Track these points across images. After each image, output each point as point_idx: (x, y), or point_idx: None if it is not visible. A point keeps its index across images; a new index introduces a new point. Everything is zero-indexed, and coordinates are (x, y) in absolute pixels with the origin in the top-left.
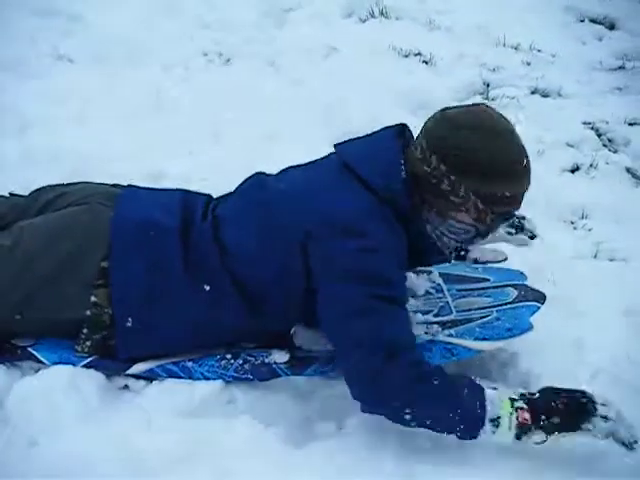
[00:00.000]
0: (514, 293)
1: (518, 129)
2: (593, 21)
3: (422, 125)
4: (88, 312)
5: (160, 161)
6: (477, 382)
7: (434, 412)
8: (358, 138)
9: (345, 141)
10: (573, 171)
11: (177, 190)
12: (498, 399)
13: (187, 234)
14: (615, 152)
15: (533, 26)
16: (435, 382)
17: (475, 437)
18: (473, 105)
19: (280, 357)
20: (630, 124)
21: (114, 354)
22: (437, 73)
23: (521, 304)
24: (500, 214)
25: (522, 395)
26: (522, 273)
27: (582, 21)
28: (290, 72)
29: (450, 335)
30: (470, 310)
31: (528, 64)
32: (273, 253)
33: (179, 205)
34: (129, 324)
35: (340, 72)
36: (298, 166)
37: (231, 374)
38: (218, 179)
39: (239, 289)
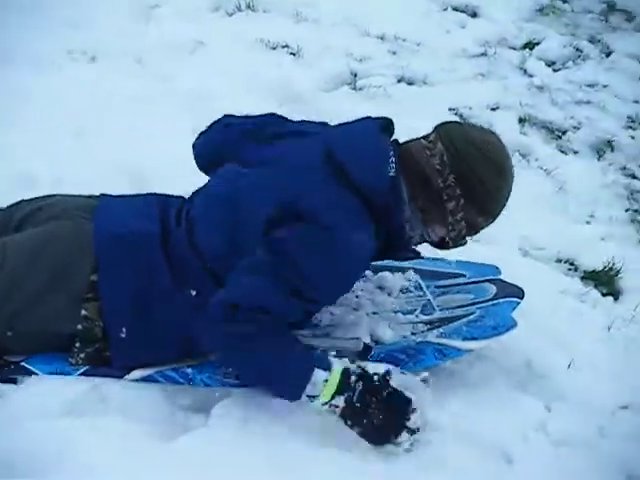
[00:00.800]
0: (493, 289)
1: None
2: (456, 9)
3: (437, 130)
4: (79, 326)
5: (24, 162)
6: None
7: (262, 367)
8: (342, 125)
9: (331, 125)
10: None
11: (151, 195)
12: (322, 384)
13: (167, 241)
14: None
15: (397, 16)
16: (272, 344)
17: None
18: (490, 132)
19: None
20: (493, 109)
21: (109, 364)
22: (305, 65)
23: (502, 300)
24: (465, 238)
25: (351, 384)
26: (497, 268)
27: (445, 10)
28: (157, 68)
29: (439, 336)
30: (452, 308)
31: (394, 53)
32: (245, 249)
33: (157, 211)
34: (123, 335)
35: (207, 66)
36: (275, 144)
37: (233, 381)
38: (84, 177)
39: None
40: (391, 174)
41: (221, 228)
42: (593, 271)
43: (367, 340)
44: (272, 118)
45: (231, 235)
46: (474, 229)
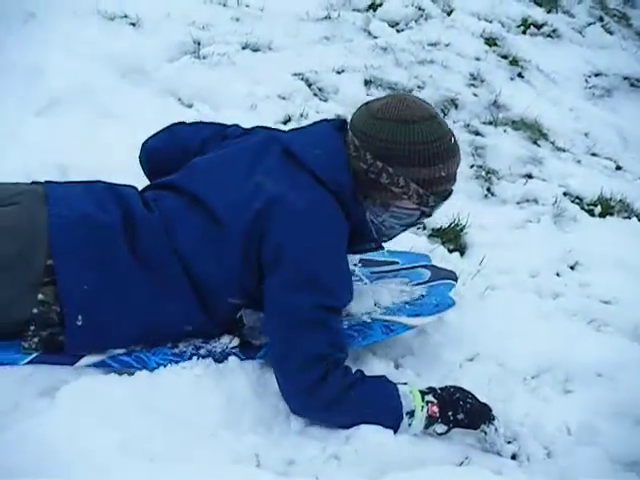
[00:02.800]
0: (427, 273)
1: None
2: None
3: (349, 121)
4: (35, 310)
5: None
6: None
7: (363, 412)
8: (297, 129)
9: (284, 131)
10: (285, 122)
11: (97, 182)
12: (410, 393)
13: (131, 227)
14: (325, 101)
15: None
16: (362, 387)
17: (395, 429)
18: (391, 97)
19: (231, 342)
20: (338, 72)
21: (61, 349)
22: (145, 35)
23: (438, 282)
24: (439, 193)
25: (430, 388)
26: (427, 255)
27: None
28: None
29: (384, 313)
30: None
31: (237, 20)
32: (223, 252)
33: (111, 198)
34: (79, 322)
35: (41, 37)
36: (228, 151)
37: (186, 361)
38: None
39: (192, 286)
40: (348, 170)
41: (201, 231)
42: (440, 228)
43: None
44: (225, 126)
45: (211, 239)
46: (432, 183)
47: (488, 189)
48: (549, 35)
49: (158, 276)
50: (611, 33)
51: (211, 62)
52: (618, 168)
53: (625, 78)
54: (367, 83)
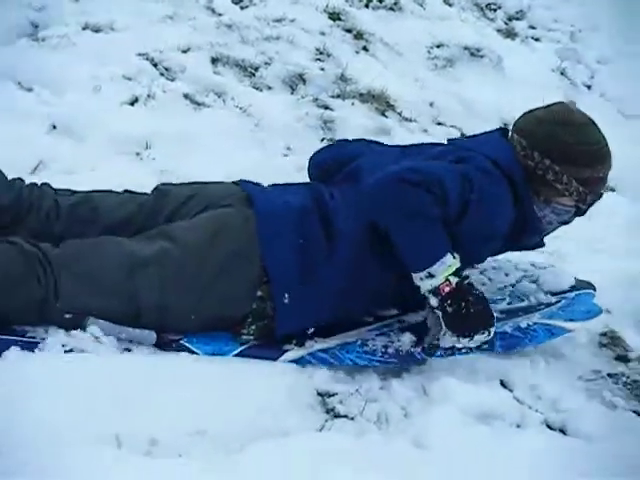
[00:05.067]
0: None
1: None
2: None
3: (513, 126)
4: (254, 305)
5: None
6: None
7: (414, 230)
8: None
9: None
10: (132, 103)
11: (300, 183)
12: (449, 266)
13: (323, 211)
14: (172, 80)
15: None
16: (432, 225)
17: (414, 271)
18: (554, 104)
19: (416, 345)
20: (184, 51)
21: (272, 335)
22: None
23: (580, 292)
24: (596, 193)
25: (464, 276)
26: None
27: None
28: None
29: (542, 318)
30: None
31: (76, 0)
32: None
33: (306, 190)
34: (285, 300)
35: None
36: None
37: (377, 359)
38: None
39: (379, 255)
40: (521, 166)
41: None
42: None
43: None
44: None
45: None
46: (593, 182)
47: None
48: (391, 8)
49: (350, 255)
50: (450, 5)
51: (50, 44)
52: (463, 135)
53: (465, 48)
54: (214, 61)
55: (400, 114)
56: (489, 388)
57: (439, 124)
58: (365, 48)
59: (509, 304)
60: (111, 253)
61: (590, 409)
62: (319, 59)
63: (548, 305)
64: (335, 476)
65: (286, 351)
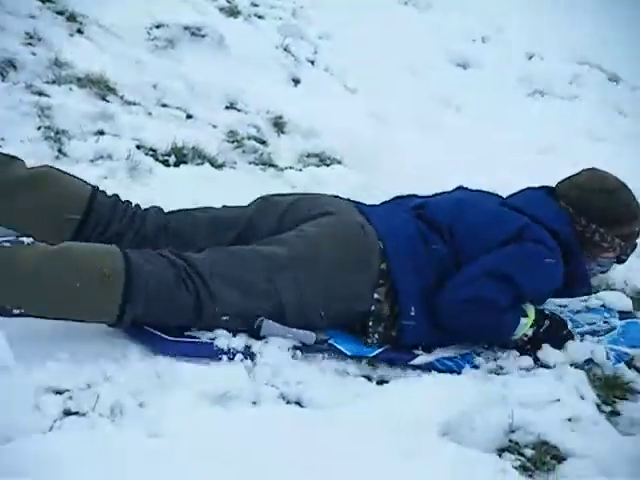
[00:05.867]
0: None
1: None
2: None
3: (558, 192)
4: (373, 307)
5: None
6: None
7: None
8: (516, 194)
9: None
10: None
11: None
12: (524, 325)
13: (424, 239)
14: None
15: None
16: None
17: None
18: (588, 171)
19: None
20: None
21: (395, 343)
22: None
23: (631, 320)
24: (633, 244)
25: (539, 323)
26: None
27: None
28: None
29: (610, 342)
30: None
31: None
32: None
33: (401, 211)
34: (412, 313)
35: None
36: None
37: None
38: None
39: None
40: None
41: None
42: None
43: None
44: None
45: (481, 242)
46: (630, 236)
47: (59, 150)
48: None
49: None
50: None
51: None
52: (189, 117)
53: (186, 28)
54: None
55: (122, 98)
56: (225, 368)
57: (164, 106)
58: (80, 31)
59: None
60: (252, 258)
61: (323, 379)
62: (30, 43)
63: (609, 331)
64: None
65: (417, 355)
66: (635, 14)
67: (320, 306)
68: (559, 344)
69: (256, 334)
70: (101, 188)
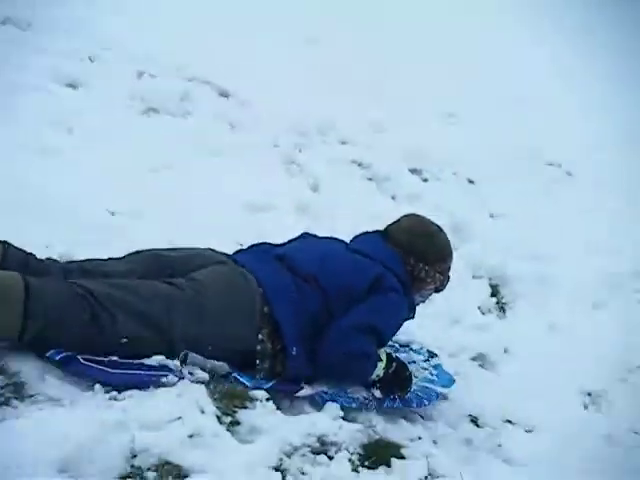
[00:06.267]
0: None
1: None
2: None
3: (388, 235)
4: (258, 347)
5: None
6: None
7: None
8: (354, 239)
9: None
10: None
11: (255, 247)
12: (379, 368)
13: (298, 285)
14: None
15: None
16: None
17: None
18: (411, 216)
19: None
20: None
21: (283, 377)
22: None
23: (434, 361)
24: (447, 277)
25: (390, 364)
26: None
27: None
28: None
29: (429, 382)
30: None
31: None
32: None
33: (273, 259)
34: (294, 352)
35: None
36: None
37: (358, 403)
38: None
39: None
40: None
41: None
42: None
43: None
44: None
45: (346, 289)
46: (446, 271)
47: None
48: None
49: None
50: None
51: None
52: None
53: None
54: None
55: None
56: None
57: None
58: None
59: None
60: (152, 293)
61: None
62: None
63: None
64: None
65: (302, 388)
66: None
67: (208, 344)
68: (402, 384)
69: (183, 362)
70: None
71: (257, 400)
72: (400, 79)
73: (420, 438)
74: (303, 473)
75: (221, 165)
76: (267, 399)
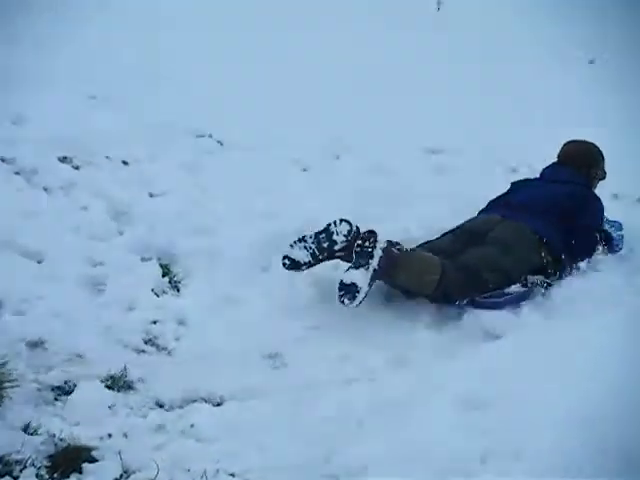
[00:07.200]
0: None
1: None
2: None
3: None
4: (544, 261)
5: None
6: None
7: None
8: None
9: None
10: None
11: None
12: None
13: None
14: None
15: None
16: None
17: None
18: (573, 142)
19: None
20: None
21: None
22: None
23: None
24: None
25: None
26: None
27: None
28: None
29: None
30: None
31: None
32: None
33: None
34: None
35: None
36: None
37: None
38: None
39: None
40: None
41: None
42: None
43: None
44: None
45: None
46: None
47: None
48: None
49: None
50: None
51: None
52: None
53: None
54: None
55: None
56: None
57: None
58: None
59: None
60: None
61: None
62: None
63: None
64: None
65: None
66: None
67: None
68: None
69: None
70: None
71: None
72: None
73: (110, 435)
74: None
75: None
76: None
